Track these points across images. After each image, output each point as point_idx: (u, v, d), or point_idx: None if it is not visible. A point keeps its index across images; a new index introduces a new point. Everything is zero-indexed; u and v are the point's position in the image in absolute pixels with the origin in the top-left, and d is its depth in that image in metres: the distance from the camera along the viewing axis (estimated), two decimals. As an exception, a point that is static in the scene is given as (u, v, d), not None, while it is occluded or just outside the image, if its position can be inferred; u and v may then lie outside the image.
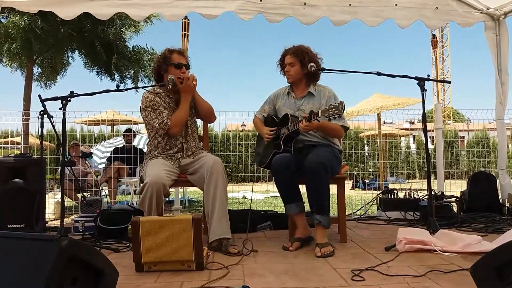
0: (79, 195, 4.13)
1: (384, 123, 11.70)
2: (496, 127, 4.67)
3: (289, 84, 3.25)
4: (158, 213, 2.75)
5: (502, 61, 4.41)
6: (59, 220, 3.04)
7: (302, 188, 2.95)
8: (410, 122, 20.91)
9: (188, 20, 4.27)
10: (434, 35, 20.50)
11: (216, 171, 2.77)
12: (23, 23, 7.40)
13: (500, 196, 4.28)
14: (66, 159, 3.23)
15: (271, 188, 7.65)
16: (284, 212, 3.05)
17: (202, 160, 2.93)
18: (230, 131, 13.21)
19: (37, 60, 9.24)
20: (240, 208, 4.92)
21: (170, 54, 3.03)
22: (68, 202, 5.45)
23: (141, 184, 2.76)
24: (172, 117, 2.94)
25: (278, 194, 3.04)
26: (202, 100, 3.10)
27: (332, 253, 2.60)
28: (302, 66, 3.05)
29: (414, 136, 17.00)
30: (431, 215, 2.91)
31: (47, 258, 1.40)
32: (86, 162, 5.19)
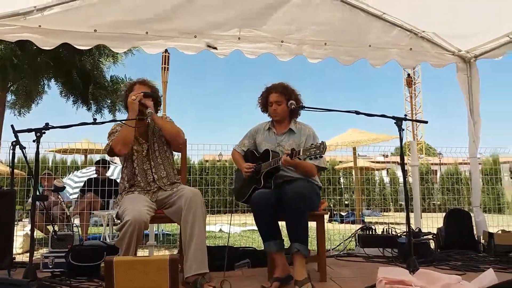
0: (50, 228, 3.97)
1: (359, 155, 11.87)
2: (467, 162, 4.79)
3: (270, 120, 3.27)
4: (135, 250, 2.65)
5: (474, 101, 4.57)
6: (27, 254, 2.89)
7: (282, 225, 2.91)
8: (384, 155, 21.31)
9: (168, 53, 4.29)
10: (408, 75, 21.22)
11: (194, 204, 2.71)
12: (4, 52, 7.30)
13: (475, 233, 4.34)
14: (38, 193, 3.10)
15: (248, 221, 7.56)
16: (263, 248, 2.99)
17: (180, 192, 2.87)
18: (207, 161, 13.14)
19: (11, 88, 9.05)
20: (216, 244, 4.82)
21: (133, 85, 3.15)
22: (37, 234, 5.23)
23: (119, 221, 2.67)
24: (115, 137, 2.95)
25: (255, 228, 3.00)
26: (163, 123, 3.01)
27: (311, 291, 2.54)
28: (287, 104, 3.09)
29: (387, 170, 17.29)
30: (410, 254, 2.90)
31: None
32: (59, 196, 5.01)
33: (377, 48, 4.35)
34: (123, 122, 2.95)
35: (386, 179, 17.22)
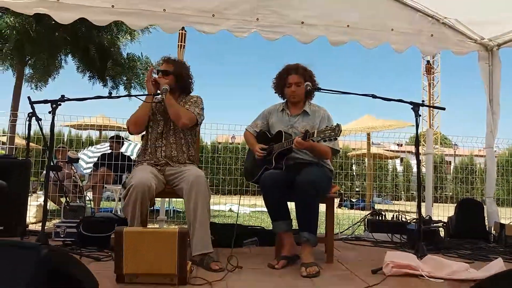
0: (63, 200, 4.04)
1: (373, 143, 11.77)
2: (483, 154, 4.72)
3: (284, 100, 3.24)
4: (142, 219, 2.69)
5: (494, 91, 4.47)
6: (40, 224, 2.95)
7: (290, 205, 2.92)
8: (398, 145, 21.09)
9: (185, 31, 4.26)
10: (428, 62, 20.79)
11: (197, 185, 2.69)
12: (17, 25, 7.33)
13: (486, 224, 4.30)
14: (52, 164, 3.15)
15: (258, 202, 7.61)
16: (271, 228, 3.01)
17: (185, 172, 2.86)
18: (220, 142, 13.18)
19: (29, 62, 9.13)
20: (226, 222, 4.86)
21: (161, 63, 3.16)
22: (50, 205, 5.33)
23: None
24: None
25: (265, 209, 3.00)
26: (170, 102, 2.96)
27: (317, 273, 2.56)
28: (304, 85, 3.05)
29: (401, 159, 17.13)
30: (419, 239, 2.89)
31: (26, 267, 1.35)
32: (72, 167, 5.10)
33: (399, 33, 4.24)
34: (137, 97, 2.97)
35: (399, 168, 17.09)
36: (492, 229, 4.22)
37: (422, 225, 3.03)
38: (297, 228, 2.81)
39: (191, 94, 3.21)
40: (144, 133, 3.17)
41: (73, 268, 1.54)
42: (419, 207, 2.95)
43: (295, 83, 3.07)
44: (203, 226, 2.66)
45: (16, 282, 1.32)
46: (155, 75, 3.10)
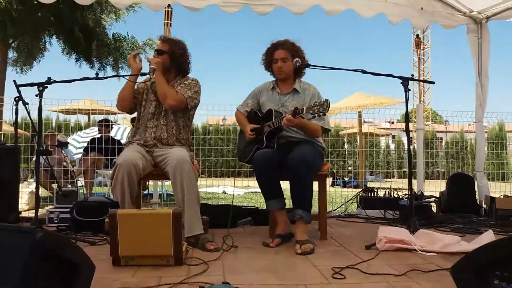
0: (54, 186, 4.01)
1: (364, 122, 11.81)
2: (474, 130, 4.75)
3: (274, 79, 3.20)
4: (132, 200, 2.68)
5: (483, 64, 4.48)
6: (33, 211, 2.93)
7: (284, 184, 2.92)
8: (389, 122, 21.19)
9: (171, 8, 4.16)
10: (417, 36, 20.76)
11: (180, 168, 2.64)
12: (-3, 7, 7.14)
13: (477, 197, 4.36)
14: (42, 148, 3.11)
15: (252, 184, 7.61)
16: (265, 208, 3.02)
17: (169, 155, 2.79)
18: (211, 124, 13.11)
19: (13, 44, 8.92)
20: (220, 203, 4.87)
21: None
22: (42, 192, 5.30)
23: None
24: None
25: (258, 190, 3.01)
26: (160, 82, 2.90)
27: (312, 250, 2.58)
28: (293, 61, 3.00)
29: (393, 136, 17.23)
30: (411, 215, 2.92)
31: (21, 250, 1.34)
32: (62, 152, 5.04)
33: (394, 4, 4.23)
34: (124, 77, 2.93)
35: (392, 146, 17.20)
36: (483, 202, 4.28)
37: (414, 201, 3.06)
38: (291, 207, 2.83)
39: (189, 76, 3.14)
40: (136, 113, 3.15)
41: (69, 251, 1.53)
42: (410, 182, 2.97)
43: (281, 59, 3.02)
44: (192, 208, 2.64)
45: (12, 265, 1.31)
46: (142, 56, 3.04)
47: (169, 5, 4.00)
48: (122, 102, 3.03)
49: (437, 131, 19.23)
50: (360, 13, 4.12)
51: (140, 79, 3.07)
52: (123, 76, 3.05)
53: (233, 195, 3.96)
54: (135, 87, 3.08)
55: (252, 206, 4.08)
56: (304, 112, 2.65)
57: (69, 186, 4.20)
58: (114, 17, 8.62)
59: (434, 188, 5.12)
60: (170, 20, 4.06)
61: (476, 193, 4.37)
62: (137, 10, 8.73)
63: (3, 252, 1.36)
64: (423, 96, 21.79)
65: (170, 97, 2.89)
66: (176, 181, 2.65)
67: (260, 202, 4.84)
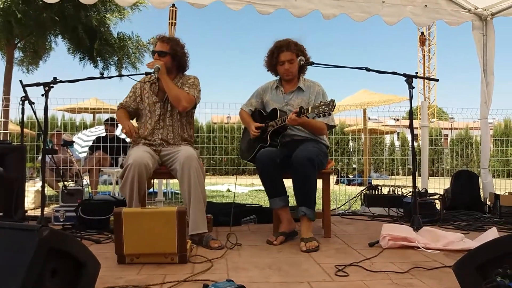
0: (60, 184, 4.05)
1: (369, 119, 11.77)
2: (479, 126, 4.73)
3: (277, 78, 3.21)
4: (140, 199, 2.71)
5: (488, 61, 4.45)
6: (39, 209, 2.97)
7: (287, 182, 2.93)
8: (394, 119, 21.11)
9: (176, 8, 4.18)
10: (422, 33, 20.68)
11: (188, 166, 2.66)
12: (2, 5, 7.16)
13: (482, 195, 4.35)
14: (47, 147, 3.14)
15: (256, 182, 7.63)
16: (269, 206, 3.03)
17: (177, 154, 2.82)
18: (215, 123, 13.15)
19: (19, 44, 8.97)
20: (224, 201, 4.89)
21: (155, 42, 3.08)
22: (48, 191, 5.34)
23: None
24: None
25: (262, 188, 3.02)
26: (167, 83, 2.90)
27: (317, 248, 2.59)
28: (297, 60, 3.00)
29: (398, 133, 17.18)
30: (415, 212, 2.92)
31: (27, 248, 1.35)
32: (68, 150, 5.08)
33: (391, 5, 4.20)
34: (129, 76, 2.94)
35: (397, 143, 17.15)
36: (487, 200, 4.26)
37: (417, 198, 3.06)
38: (295, 204, 2.84)
39: (187, 74, 3.14)
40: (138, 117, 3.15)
41: (74, 249, 1.55)
42: (414, 179, 2.97)
43: (288, 61, 3.01)
44: (198, 207, 2.65)
45: (18, 263, 1.33)
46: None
47: (173, 5, 4.01)
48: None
49: (443, 128, 19.16)
50: (353, 17, 4.14)
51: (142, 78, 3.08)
52: (127, 75, 3.06)
53: (235, 193, 3.97)
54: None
55: (256, 204, 4.10)
56: (309, 112, 2.66)
57: (74, 184, 4.23)
58: (119, 17, 8.64)
59: (439, 185, 5.11)
60: (175, 20, 4.08)
61: (481, 190, 4.35)
62: (141, 9, 8.75)
63: (10, 250, 1.38)
64: (429, 93, 21.69)
65: (184, 99, 2.90)
66: (184, 177, 2.67)
67: (264, 200, 4.85)
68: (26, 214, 3.73)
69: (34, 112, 3.15)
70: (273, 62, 3.09)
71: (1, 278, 1.32)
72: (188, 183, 2.65)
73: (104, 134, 6.31)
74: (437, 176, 7.21)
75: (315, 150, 2.85)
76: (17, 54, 9.38)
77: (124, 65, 9.15)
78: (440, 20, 4.45)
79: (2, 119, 5.98)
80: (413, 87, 2.91)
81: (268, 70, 3.19)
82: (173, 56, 3.00)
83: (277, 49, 3.05)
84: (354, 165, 11.17)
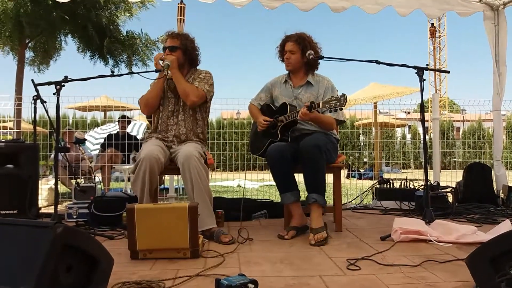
0: (73, 182, 4.10)
1: (380, 112, 11.68)
2: (491, 118, 4.67)
3: (286, 72, 3.21)
4: (151, 194, 2.73)
5: (500, 52, 4.38)
6: (52, 207, 3.01)
7: (298, 177, 2.93)
8: (405, 112, 20.95)
9: (184, 4, 4.19)
10: (432, 24, 20.44)
11: (187, 165, 2.66)
12: (10, 7, 7.26)
13: (495, 187, 4.30)
14: (60, 145, 3.18)
15: (266, 177, 7.65)
16: (280, 201, 3.04)
17: (178, 152, 2.82)
18: (225, 119, 13.15)
19: (29, 44, 9.07)
20: (235, 197, 4.91)
21: (165, 39, 3.09)
22: (61, 188, 5.41)
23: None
24: None
25: (273, 183, 3.02)
26: (177, 78, 2.92)
27: (326, 239, 2.59)
28: (302, 54, 2.99)
29: (409, 126, 17.03)
30: (427, 205, 2.90)
31: (41, 245, 1.37)
32: (80, 148, 5.14)
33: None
34: (139, 74, 2.95)
35: (408, 136, 17.02)
36: (501, 192, 4.21)
37: (429, 191, 3.04)
38: (305, 199, 2.84)
39: (200, 69, 3.15)
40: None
41: (88, 245, 1.57)
42: (425, 173, 2.95)
43: (289, 51, 3.04)
44: (203, 204, 2.63)
45: (33, 259, 1.35)
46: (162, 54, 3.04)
47: (181, 1, 4.02)
48: (149, 105, 3.05)
49: (454, 120, 18.95)
50: (364, 9, 4.07)
51: (154, 76, 3.09)
52: (138, 73, 3.07)
53: (244, 188, 3.98)
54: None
55: (267, 199, 4.10)
56: (320, 106, 2.66)
57: (87, 182, 4.28)
58: (128, 15, 8.69)
59: (451, 178, 5.07)
60: (183, 16, 4.09)
61: (494, 182, 4.30)
62: (149, 7, 8.80)
63: (24, 247, 1.40)
64: (440, 85, 21.45)
65: (192, 93, 2.91)
66: (186, 177, 2.69)
67: (275, 195, 4.85)
68: (40, 211, 3.78)
69: (46, 111, 3.19)
70: (281, 51, 3.14)
71: (17, 274, 1.35)
72: (190, 182, 2.67)
73: (115, 132, 6.37)
74: (449, 169, 7.13)
75: (323, 139, 2.85)
76: (28, 54, 9.49)
77: (134, 62, 9.22)
78: (450, 11, 4.39)
79: (15, 118, 6.07)
80: (424, 80, 2.88)
81: (279, 60, 3.20)
82: (184, 50, 3.01)
83: (284, 39, 3.11)
84: (365, 159, 11.11)
